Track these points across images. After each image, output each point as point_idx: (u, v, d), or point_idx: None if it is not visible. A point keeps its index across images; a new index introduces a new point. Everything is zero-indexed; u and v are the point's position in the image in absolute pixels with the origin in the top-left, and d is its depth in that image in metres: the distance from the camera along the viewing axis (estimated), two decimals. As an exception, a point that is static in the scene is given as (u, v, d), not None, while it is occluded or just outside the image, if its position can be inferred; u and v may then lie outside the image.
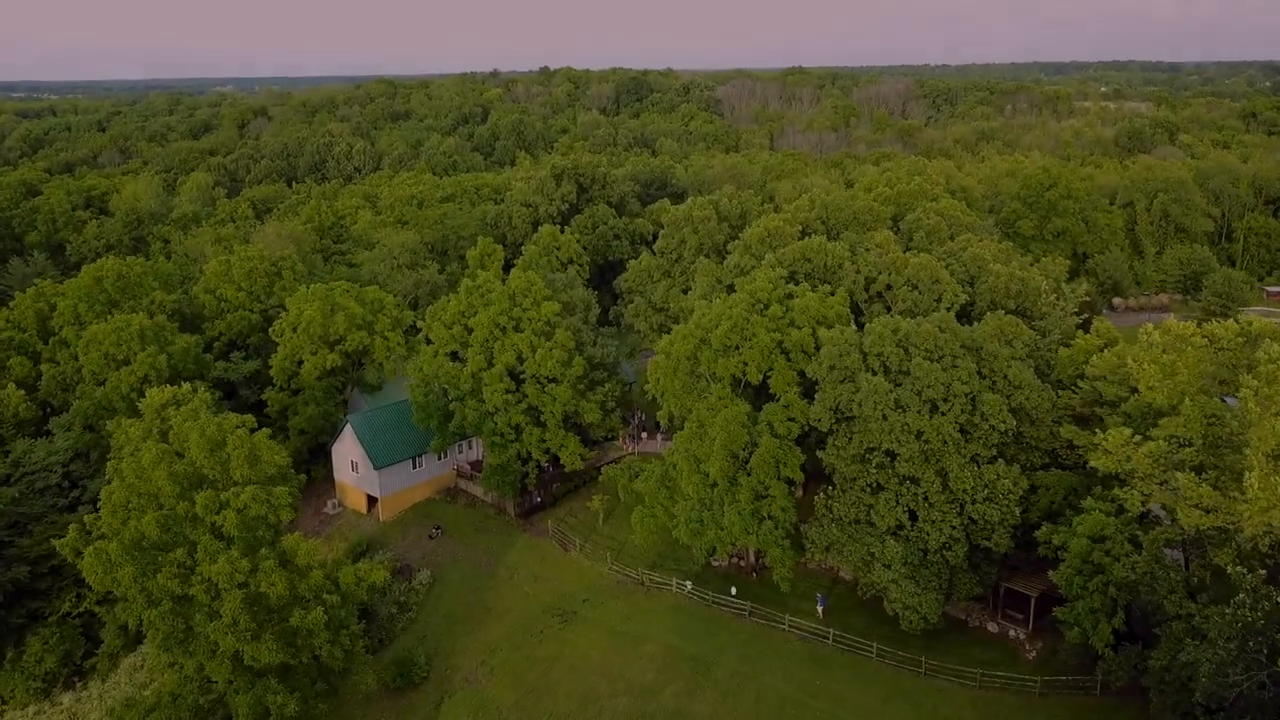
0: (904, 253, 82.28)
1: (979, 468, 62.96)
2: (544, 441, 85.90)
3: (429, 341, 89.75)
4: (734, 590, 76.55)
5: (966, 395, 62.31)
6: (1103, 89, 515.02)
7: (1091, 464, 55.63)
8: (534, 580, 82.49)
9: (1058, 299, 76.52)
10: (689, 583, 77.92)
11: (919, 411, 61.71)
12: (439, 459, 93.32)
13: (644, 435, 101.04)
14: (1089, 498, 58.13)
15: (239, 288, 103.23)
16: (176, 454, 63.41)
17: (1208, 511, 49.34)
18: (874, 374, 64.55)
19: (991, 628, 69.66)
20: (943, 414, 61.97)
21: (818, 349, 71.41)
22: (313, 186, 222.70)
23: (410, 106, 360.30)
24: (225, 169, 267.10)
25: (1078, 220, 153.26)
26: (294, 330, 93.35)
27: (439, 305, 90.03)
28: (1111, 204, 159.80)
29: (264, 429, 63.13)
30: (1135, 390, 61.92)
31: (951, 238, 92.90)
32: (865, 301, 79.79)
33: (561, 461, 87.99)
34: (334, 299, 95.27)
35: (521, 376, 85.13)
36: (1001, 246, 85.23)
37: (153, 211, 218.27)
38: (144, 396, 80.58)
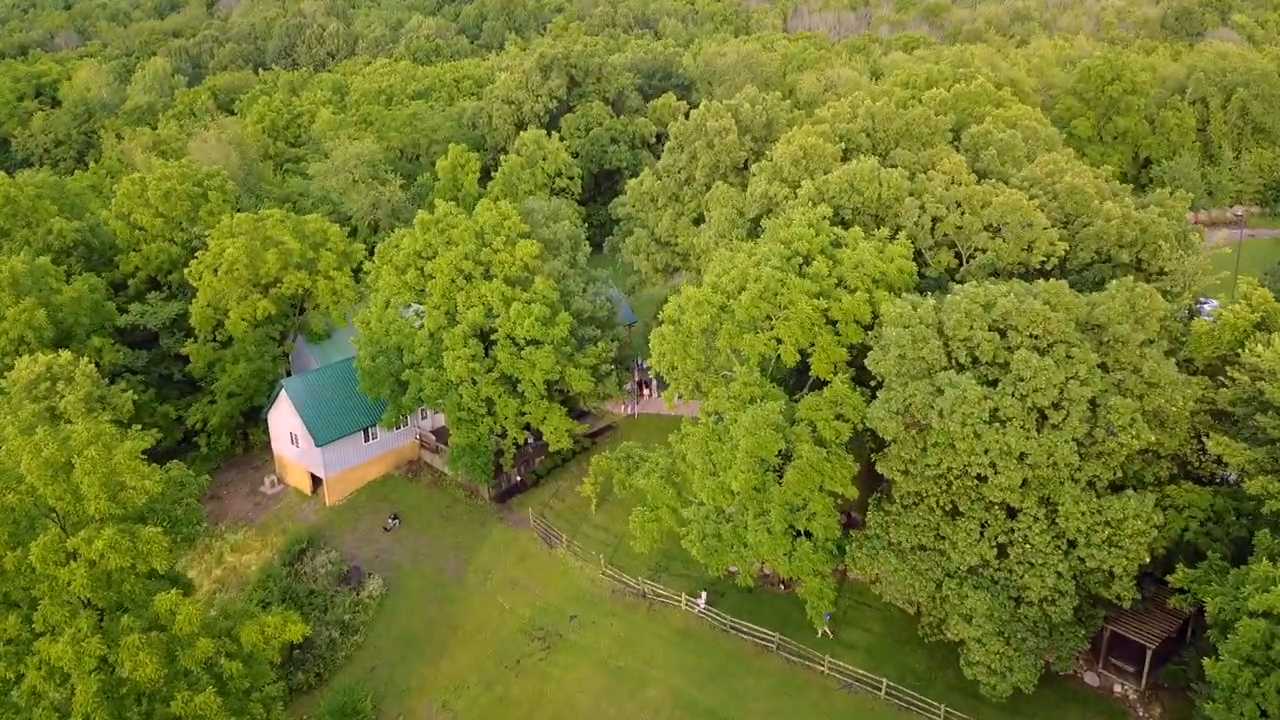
0: (977, 182, 64.16)
1: (1097, 497, 46.60)
2: (523, 415, 69.54)
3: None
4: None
5: (1087, 400, 45.53)
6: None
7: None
8: (511, 588, 67.23)
9: (1184, 251, 58.82)
10: (701, 601, 62.71)
11: (1022, 425, 45.02)
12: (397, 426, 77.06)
13: (646, 393, 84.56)
14: (1263, 558, 41.94)
15: (156, 212, 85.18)
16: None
17: None
18: (960, 369, 47.61)
19: (1090, 679, 54.49)
20: (1055, 427, 45.28)
21: (874, 317, 54.49)
22: (280, 74, 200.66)
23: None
24: (187, 53, 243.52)
25: (1142, 119, 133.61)
26: (215, 272, 75.88)
27: (390, 243, 72.39)
28: (1181, 99, 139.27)
29: (132, 443, 46.44)
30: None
31: (1029, 157, 74.40)
32: (930, 248, 62.18)
33: (544, 439, 71.85)
34: (265, 232, 77.48)
35: (493, 337, 68.18)
36: (1100, 172, 67.12)
37: (104, 102, 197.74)
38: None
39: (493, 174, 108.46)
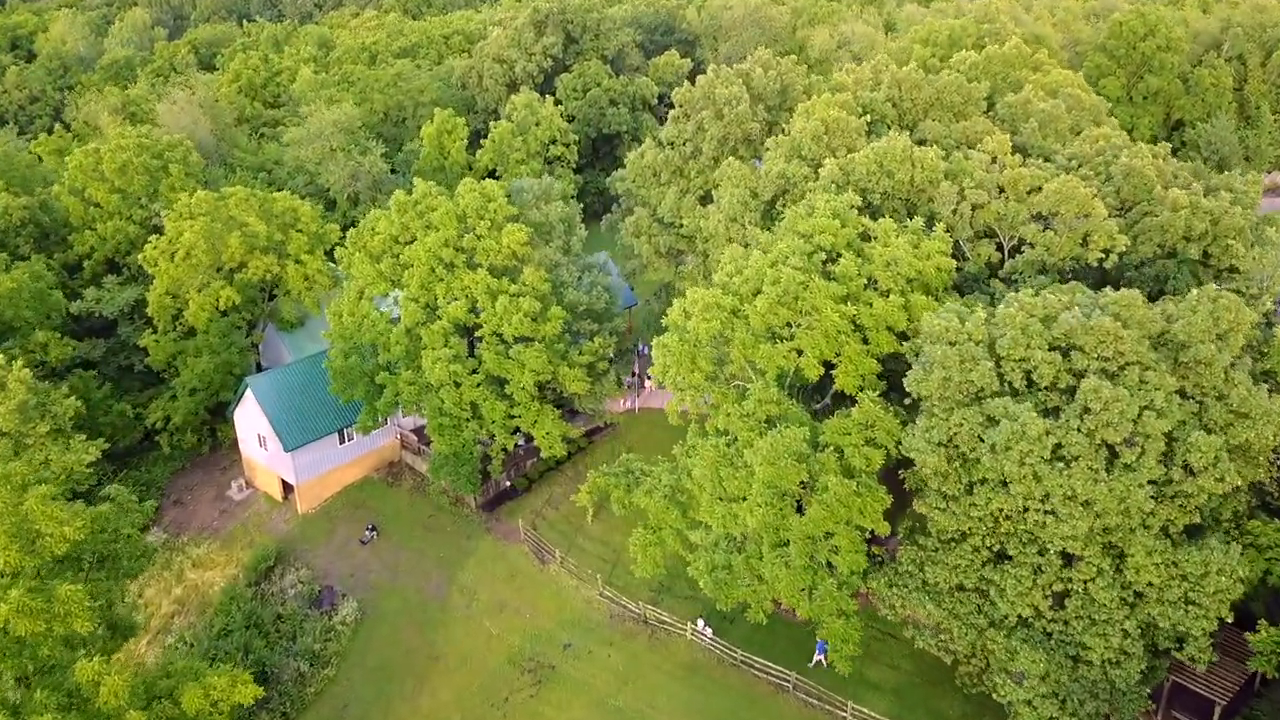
0: (1023, 162, 56.77)
1: (1173, 547, 40.05)
2: (512, 419, 62.87)
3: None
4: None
5: (1163, 434, 38.82)
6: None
7: None
8: (499, 611, 61.09)
9: (1261, 247, 51.64)
10: (709, 629, 56.63)
11: (1090, 466, 38.35)
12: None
13: (648, 385, 77.83)
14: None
15: (112, 187, 77.82)
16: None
17: None
18: (1015, 394, 40.81)
19: (1149, 734, 48.48)
20: (1129, 468, 38.60)
21: (910, 323, 47.63)
22: (264, 27, 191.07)
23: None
24: (168, 3, 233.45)
25: (1175, 78, 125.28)
26: (172, 258, 68.79)
27: (364, 226, 65.21)
28: (1216, 57, 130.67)
29: (47, 487, 39.88)
30: None
31: (1074, 130, 67.10)
32: (968, 239, 55.09)
33: (535, 443, 65.28)
34: (227, 212, 70.26)
35: (477, 334, 61.32)
36: (1157, 150, 59.75)
37: (81, 56, 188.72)
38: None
39: (482, 141, 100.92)
